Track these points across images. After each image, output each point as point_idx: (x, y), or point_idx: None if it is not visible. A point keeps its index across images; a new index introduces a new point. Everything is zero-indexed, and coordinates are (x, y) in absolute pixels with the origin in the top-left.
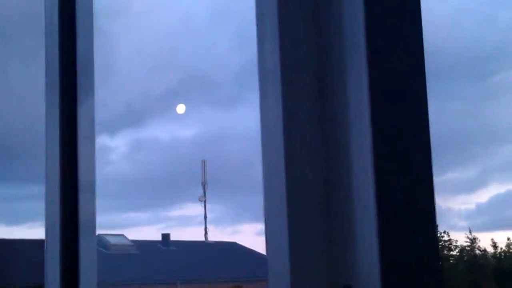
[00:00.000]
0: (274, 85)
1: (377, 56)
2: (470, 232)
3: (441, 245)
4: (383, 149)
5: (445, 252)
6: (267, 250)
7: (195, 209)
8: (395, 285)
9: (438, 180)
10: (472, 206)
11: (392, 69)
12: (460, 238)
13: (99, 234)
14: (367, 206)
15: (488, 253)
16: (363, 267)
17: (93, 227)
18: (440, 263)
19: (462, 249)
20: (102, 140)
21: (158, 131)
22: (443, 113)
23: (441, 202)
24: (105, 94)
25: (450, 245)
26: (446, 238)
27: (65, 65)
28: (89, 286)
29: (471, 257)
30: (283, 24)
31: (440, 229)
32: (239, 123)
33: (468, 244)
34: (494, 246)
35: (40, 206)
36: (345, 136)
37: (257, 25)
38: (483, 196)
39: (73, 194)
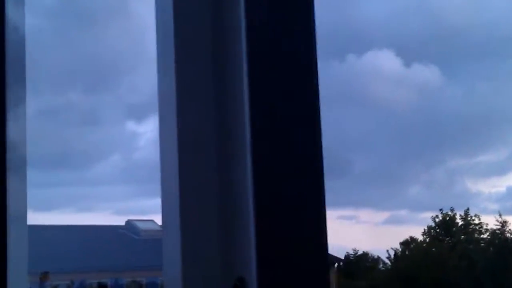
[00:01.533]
0: (170, 88)
1: (258, 64)
2: (500, 215)
3: (472, 228)
4: (264, 150)
5: (476, 235)
6: (163, 245)
7: None
8: (273, 279)
9: (469, 163)
10: (503, 189)
11: (276, 61)
12: (490, 221)
13: (129, 220)
14: (248, 203)
15: None
16: (252, 260)
17: (24, 214)
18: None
19: (493, 232)
20: (130, 126)
21: None
22: (473, 94)
23: (471, 185)
24: (135, 80)
25: (481, 229)
26: (476, 221)
27: None
28: (19, 275)
29: (502, 240)
30: (179, 22)
31: (471, 212)
32: None
33: (499, 227)
34: None
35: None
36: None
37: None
38: None
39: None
